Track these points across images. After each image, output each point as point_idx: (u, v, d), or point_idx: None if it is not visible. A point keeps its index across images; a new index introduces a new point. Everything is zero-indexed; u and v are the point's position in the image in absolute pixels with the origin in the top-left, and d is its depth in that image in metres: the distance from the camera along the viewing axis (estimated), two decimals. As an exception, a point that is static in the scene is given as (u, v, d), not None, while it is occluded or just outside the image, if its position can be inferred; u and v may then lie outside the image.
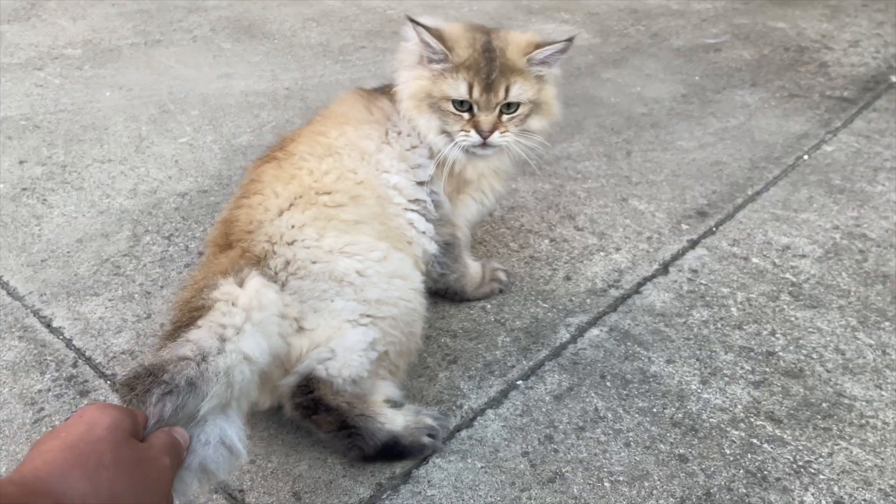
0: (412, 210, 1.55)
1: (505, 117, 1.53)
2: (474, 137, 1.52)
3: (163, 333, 1.21)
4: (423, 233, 1.57)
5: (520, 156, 1.59)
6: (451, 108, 1.52)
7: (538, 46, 1.52)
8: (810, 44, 3.21)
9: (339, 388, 1.27)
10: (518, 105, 1.53)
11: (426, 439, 1.35)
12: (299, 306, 1.29)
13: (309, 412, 1.27)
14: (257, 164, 1.57)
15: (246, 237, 1.37)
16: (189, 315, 1.16)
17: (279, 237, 1.36)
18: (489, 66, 1.49)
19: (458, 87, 1.50)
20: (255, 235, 1.36)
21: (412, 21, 1.51)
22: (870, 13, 3.52)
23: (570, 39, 1.53)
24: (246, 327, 1.12)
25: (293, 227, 1.37)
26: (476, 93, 1.50)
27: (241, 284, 1.19)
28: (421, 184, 1.57)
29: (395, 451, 1.33)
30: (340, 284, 1.32)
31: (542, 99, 1.57)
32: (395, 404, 1.37)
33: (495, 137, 1.53)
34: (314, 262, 1.34)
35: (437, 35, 1.51)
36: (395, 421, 1.33)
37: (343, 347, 1.28)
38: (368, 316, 1.32)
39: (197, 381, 1.00)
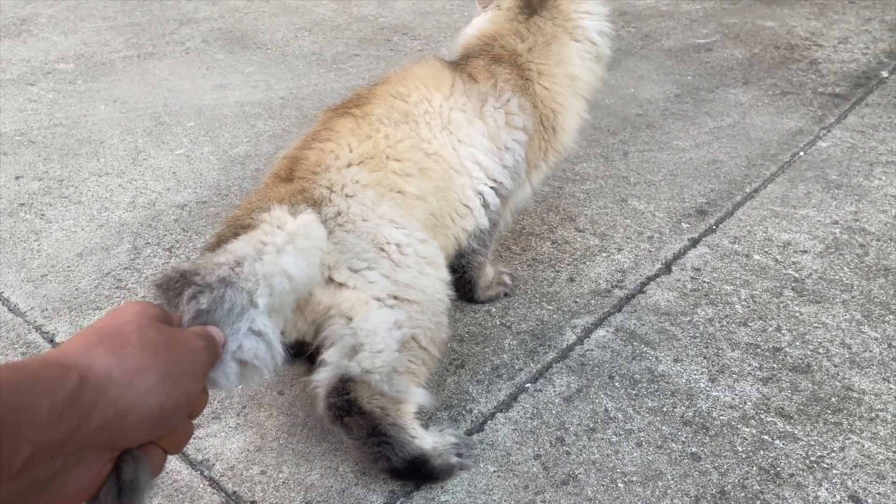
0: (488, 185, 1.56)
1: None
2: None
3: (205, 246, 1.19)
4: (487, 206, 1.57)
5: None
6: None
7: None
8: (800, 42, 3.24)
9: (376, 386, 1.24)
10: None
11: (454, 459, 1.33)
12: (337, 256, 1.27)
13: (342, 413, 1.25)
14: (329, 115, 1.53)
15: (310, 177, 1.36)
16: (234, 231, 1.15)
17: (340, 187, 1.34)
18: None
19: None
20: (319, 178, 1.35)
21: None
22: (857, 10, 3.55)
23: None
24: (287, 248, 1.10)
25: (357, 182, 1.36)
26: None
27: (294, 215, 1.18)
28: (504, 167, 1.58)
29: (424, 470, 1.30)
30: (379, 253, 1.31)
31: None
32: (424, 423, 1.36)
33: None
34: (364, 221, 1.32)
35: None
36: (426, 439, 1.31)
37: (366, 330, 1.25)
38: (395, 298, 1.30)
39: (231, 279, 0.98)
